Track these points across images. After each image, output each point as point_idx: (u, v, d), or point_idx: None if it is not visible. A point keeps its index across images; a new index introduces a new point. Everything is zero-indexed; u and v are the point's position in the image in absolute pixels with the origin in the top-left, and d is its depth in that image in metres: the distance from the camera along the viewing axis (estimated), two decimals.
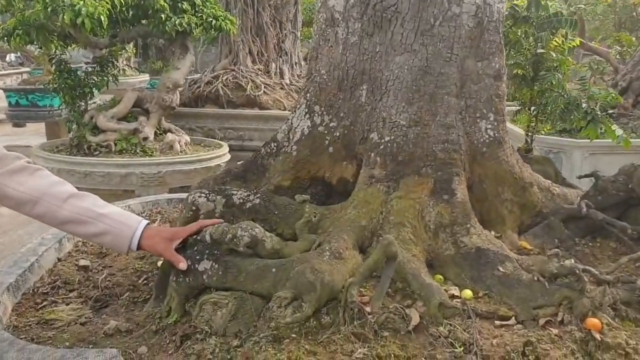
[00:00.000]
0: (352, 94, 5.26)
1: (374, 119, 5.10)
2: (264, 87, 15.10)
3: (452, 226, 4.82)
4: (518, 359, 3.86)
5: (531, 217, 5.38)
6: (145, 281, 5.60)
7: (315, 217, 4.90)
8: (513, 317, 4.28)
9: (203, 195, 5.20)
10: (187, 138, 12.46)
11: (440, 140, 4.96)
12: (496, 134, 5.16)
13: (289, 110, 14.83)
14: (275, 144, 5.74)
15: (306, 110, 5.50)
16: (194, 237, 4.72)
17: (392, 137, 4.98)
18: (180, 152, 10.84)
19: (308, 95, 5.47)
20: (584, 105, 6.31)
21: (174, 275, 4.61)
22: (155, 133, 10.98)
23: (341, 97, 5.31)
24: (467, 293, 4.44)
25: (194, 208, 5.15)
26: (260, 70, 15.93)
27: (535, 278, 4.39)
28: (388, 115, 5.01)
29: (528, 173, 5.39)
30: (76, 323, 4.80)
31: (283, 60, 16.45)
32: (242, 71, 15.34)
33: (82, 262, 6.08)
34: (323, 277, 4.21)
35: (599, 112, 6.24)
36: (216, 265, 4.50)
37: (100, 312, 5.06)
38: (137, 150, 10.50)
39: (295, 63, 17.06)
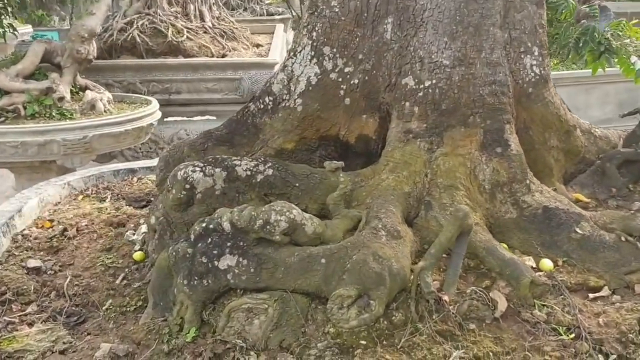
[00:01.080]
0: (373, 29, 4.25)
1: (407, 60, 4.16)
2: (187, 31, 13.45)
3: (510, 184, 4.06)
4: (638, 339, 3.23)
5: (575, 164, 4.74)
6: (125, 281, 4.44)
7: (349, 187, 3.94)
8: (605, 287, 3.63)
9: (198, 168, 4.07)
10: (109, 95, 10.81)
11: (487, 82, 4.12)
12: (542, 71, 4.40)
13: (220, 57, 13.51)
14: (270, 99, 4.65)
15: (312, 53, 4.43)
16: (203, 225, 3.65)
17: (434, 81, 4.07)
18: (105, 112, 9.43)
19: (314, 34, 4.40)
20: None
21: (185, 277, 3.55)
22: (71, 92, 9.37)
23: (359, 34, 4.28)
24: (546, 264, 3.73)
25: (187, 186, 4.03)
26: (179, 13, 14.20)
27: (622, 238, 3.75)
28: (427, 54, 4.08)
29: (570, 114, 4.70)
30: (53, 352, 3.63)
31: (202, 1, 14.76)
32: (159, 15, 13.54)
33: (32, 263, 4.77)
34: (390, 265, 3.32)
35: (613, 43, 5.67)
36: (244, 261, 3.48)
37: (79, 331, 3.89)
38: (54, 114, 8.91)
39: (213, 3, 15.43)
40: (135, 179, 6.96)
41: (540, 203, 3.97)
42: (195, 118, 12.76)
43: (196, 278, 3.55)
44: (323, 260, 3.38)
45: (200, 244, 3.61)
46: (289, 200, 4.11)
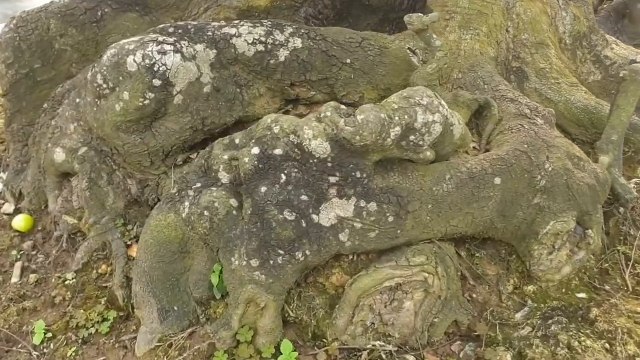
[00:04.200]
0: None
1: None
2: None
3: (589, 36, 3.07)
4: None
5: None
6: (33, 276, 2.38)
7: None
8: None
9: (168, 47, 2.17)
10: None
11: None
12: None
13: None
14: None
15: None
16: (255, 150, 1.91)
17: None
18: None
19: None
20: None
21: (253, 253, 1.86)
22: None
23: None
24: None
25: (155, 82, 2.13)
26: None
27: None
28: None
29: None
30: None
31: None
32: None
33: None
34: (595, 171, 2.14)
35: None
36: (371, 205, 1.93)
37: None
38: None
39: None
40: None
41: (624, 57, 3.06)
42: None
43: (278, 251, 1.87)
44: (497, 180, 2.02)
45: (264, 188, 1.89)
46: (332, 89, 2.49)
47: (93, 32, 2.91)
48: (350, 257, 2.03)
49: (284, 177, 1.92)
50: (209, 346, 2.00)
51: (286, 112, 2.59)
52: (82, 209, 2.51)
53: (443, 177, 2.02)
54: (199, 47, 2.30)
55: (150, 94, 2.18)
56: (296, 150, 1.93)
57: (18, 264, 2.47)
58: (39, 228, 2.69)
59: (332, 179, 1.90)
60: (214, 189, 2.00)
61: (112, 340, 2.09)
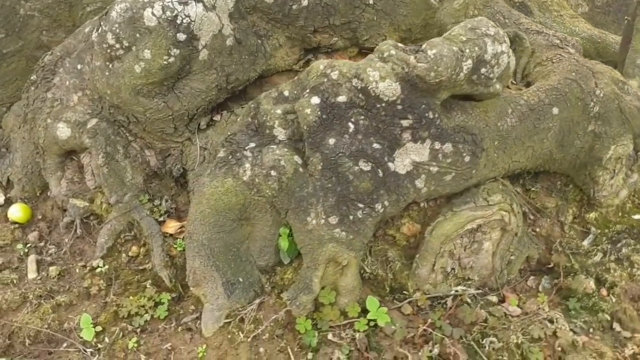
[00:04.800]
0: None
1: None
2: None
3: None
4: None
5: None
6: (52, 268, 2.12)
7: None
8: None
9: None
10: None
11: None
12: None
13: None
14: None
15: None
16: (316, 99, 1.77)
17: None
18: None
19: None
20: None
21: (331, 209, 1.76)
22: None
23: None
24: None
25: (180, 37, 1.92)
26: None
27: None
28: None
29: None
30: None
31: None
32: None
33: None
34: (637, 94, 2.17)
35: None
36: (447, 146, 1.86)
37: None
38: None
39: None
40: None
41: None
42: None
43: (358, 205, 1.76)
44: (555, 110, 2.00)
45: (332, 139, 1.77)
46: (355, 34, 2.35)
47: None
48: (421, 204, 1.95)
49: (352, 125, 1.79)
50: (287, 314, 1.87)
51: (307, 62, 2.44)
52: (95, 189, 2.25)
53: (505, 111, 1.97)
54: None
55: (175, 50, 1.97)
56: (360, 95, 1.80)
57: (32, 258, 2.18)
58: (39, 217, 2.40)
59: (405, 123, 1.80)
60: (274, 146, 1.83)
61: (172, 325, 1.90)
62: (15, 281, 2.13)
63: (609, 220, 2.10)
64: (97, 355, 1.84)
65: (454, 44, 1.78)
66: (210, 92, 2.14)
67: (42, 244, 2.30)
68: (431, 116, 1.81)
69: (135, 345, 1.84)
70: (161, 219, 2.19)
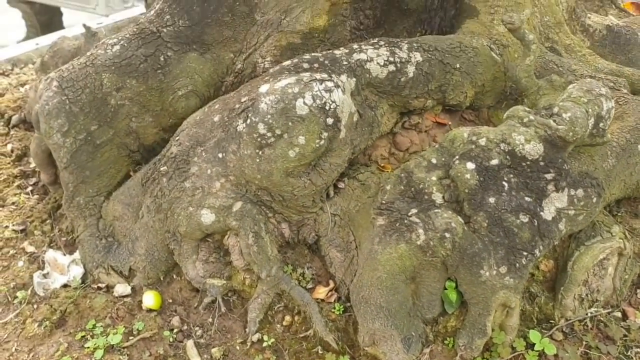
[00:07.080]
0: None
1: None
2: None
3: (574, 10, 3.58)
4: None
5: None
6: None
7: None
8: None
9: (331, 84, 2.16)
10: None
11: None
12: None
13: None
14: None
15: None
16: (469, 163, 2.04)
17: None
18: None
19: None
20: None
21: (501, 261, 2.00)
22: None
23: None
24: None
25: (329, 120, 2.12)
26: None
27: None
28: None
29: None
30: None
31: None
32: None
33: None
34: None
35: None
36: (579, 191, 2.15)
37: None
38: None
39: None
40: None
41: (599, 23, 3.63)
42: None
43: (522, 253, 2.02)
44: (639, 147, 2.37)
45: (492, 198, 2.03)
46: (444, 95, 2.62)
47: (158, 80, 2.65)
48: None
49: (505, 184, 2.06)
50: (461, 358, 2.09)
51: (403, 124, 2.67)
52: (244, 268, 2.34)
53: (606, 153, 2.31)
54: (343, 77, 2.29)
55: (325, 133, 2.14)
56: (507, 157, 2.07)
57: (190, 344, 2.24)
58: (169, 301, 2.45)
59: (548, 176, 2.08)
60: (439, 210, 2.06)
61: None
62: None
63: None
64: None
65: (581, 105, 2.10)
66: (344, 165, 2.33)
67: (185, 327, 2.37)
68: (566, 168, 2.12)
69: None
70: (308, 286, 2.34)
